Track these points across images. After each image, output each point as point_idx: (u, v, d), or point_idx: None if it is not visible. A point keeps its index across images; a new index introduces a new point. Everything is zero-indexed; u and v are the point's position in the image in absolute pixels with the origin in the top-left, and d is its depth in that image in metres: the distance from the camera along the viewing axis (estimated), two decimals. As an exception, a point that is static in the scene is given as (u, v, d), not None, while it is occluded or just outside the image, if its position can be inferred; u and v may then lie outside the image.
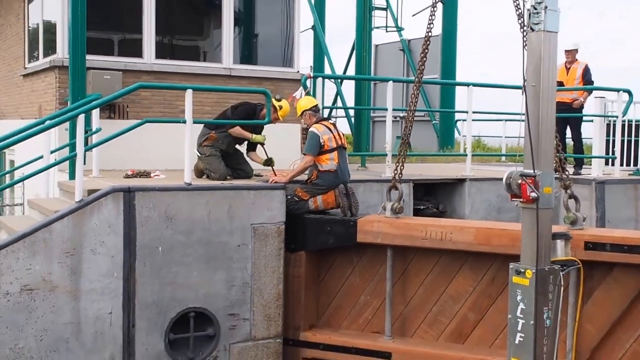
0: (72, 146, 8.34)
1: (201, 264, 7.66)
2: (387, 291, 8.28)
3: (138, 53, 10.65)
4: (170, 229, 7.52)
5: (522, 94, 4.99)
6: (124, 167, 9.40)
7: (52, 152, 9.14)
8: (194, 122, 8.04)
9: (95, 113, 9.01)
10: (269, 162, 9.11)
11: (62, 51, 10.09)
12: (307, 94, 9.83)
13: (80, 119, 7.58)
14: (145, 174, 8.98)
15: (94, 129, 9.08)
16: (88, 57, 9.49)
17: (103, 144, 8.51)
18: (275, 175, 8.68)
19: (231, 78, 11.01)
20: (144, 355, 7.40)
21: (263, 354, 8.00)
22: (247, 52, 11.73)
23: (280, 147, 9.45)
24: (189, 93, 7.89)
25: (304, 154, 8.49)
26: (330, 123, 8.87)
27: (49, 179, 9.12)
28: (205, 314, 7.72)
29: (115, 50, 10.75)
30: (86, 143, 8.70)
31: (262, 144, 9.11)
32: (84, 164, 7.76)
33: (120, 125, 8.73)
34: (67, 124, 8.84)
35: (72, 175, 8.46)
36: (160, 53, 10.78)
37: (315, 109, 8.81)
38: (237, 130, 8.93)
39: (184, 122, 7.88)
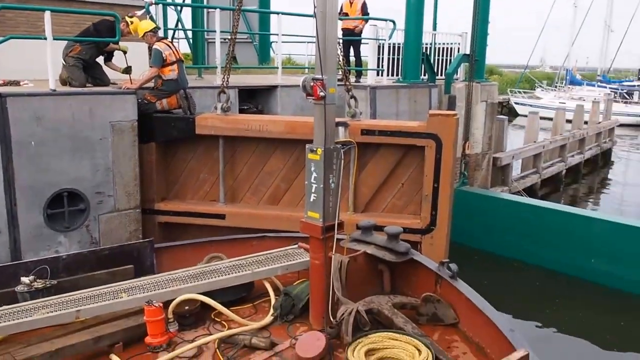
0: (-54, 59, 7.42)
1: (69, 155, 7.28)
2: (220, 170, 8.35)
3: (1, -21, 9.42)
4: (40, 127, 7.03)
5: (314, 18, 4.92)
6: (-4, 78, 8.50)
7: None
8: (55, 39, 7.40)
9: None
10: (128, 69, 8.58)
11: None
12: (151, 18, 9.29)
13: (-50, 35, 6.72)
14: (15, 83, 8.16)
15: (-34, 44, 8.06)
16: (-47, -20, 8.31)
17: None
18: (131, 81, 8.29)
19: (86, 3, 10.05)
20: (27, 227, 7.05)
21: (126, 221, 7.87)
22: (100, -19, 10.75)
23: (132, 62, 8.96)
24: (47, 14, 7.24)
25: (150, 67, 8.11)
26: (169, 41, 8.51)
27: None
28: (77, 193, 7.42)
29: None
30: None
31: (125, 52, 8.55)
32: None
33: (-11, 42, 7.79)
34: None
35: (-52, 84, 7.56)
36: (22, -21, 9.61)
37: (154, 31, 8.36)
38: (111, 46, 8.42)
39: (45, 39, 7.23)
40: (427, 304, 5.00)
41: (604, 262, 10.04)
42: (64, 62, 8.20)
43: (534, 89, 46.74)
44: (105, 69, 8.77)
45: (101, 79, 8.53)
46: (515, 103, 41.69)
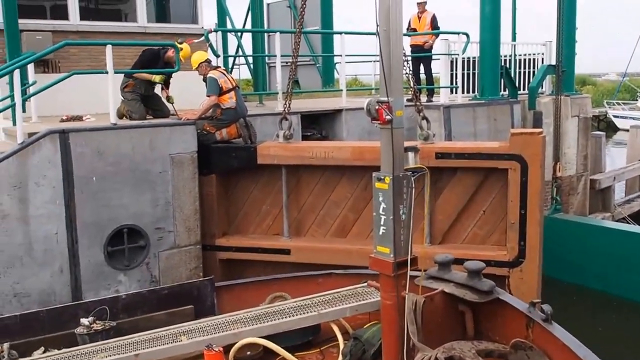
0: (13, 97, 7.94)
1: (130, 189, 7.51)
2: (283, 201, 8.36)
3: (65, 16, 10.11)
4: (102, 162, 7.32)
5: (377, 37, 4.86)
6: (60, 113, 8.95)
7: (-6, 103, 8.64)
8: (115, 73, 7.72)
9: (30, 68, 8.59)
10: (168, 100, 8.81)
11: (-2, 16, 9.43)
12: (210, 46, 9.55)
13: (17, 73, 7.23)
14: (78, 118, 8.62)
15: (30, 82, 8.63)
16: (21, 21, 8.97)
17: (39, 93, 8.07)
18: (176, 111, 8.53)
19: (146, 35, 10.55)
20: (88, 265, 7.28)
21: (186, 258, 7.97)
22: (160, 12, 11.26)
23: (191, 92, 9.23)
24: (108, 48, 7.59)
25: (208, 96, 8.25)
26: (223, 69, 8.70)
27: (-5, 127, 8.69)
28: (137, 229, 7.60)
29: (46, 14, 10.14)
30: (25, 94, 8.30)
31: (161, 84, 8.79)
32: (24, 112, 7.50)
33: (53, 78, 8.23)
34: (7, 79, 8.42)
35: (15, 122, 8.03)
36: (85, 15, 10.25)
37: (208, 61, 8.57)
38: (139, 75, 8.62)
39: (106, 72, 7.58)
40: (517, 351, 4.75)
41: None
42: (122, 97, 8.56)
43: (636, 99, 44.60)
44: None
45: (161, 110, 8.82)
46: (614, 116, 39.92)
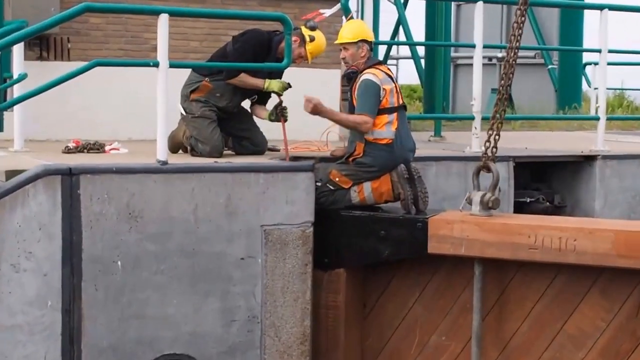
0: (-17, 104, 8.33)
1: (184, 287, 7.64)
2: (473, 328, 8.24)
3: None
4: (136, 233, 7.47)
5: None
6: (65, 137, 9.37)
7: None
8: (172, 66, 7.91)
9: (19, 51, 9.04)
10: (280, 112, 8.90)
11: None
12: (350, 19, 9.63)
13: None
14: (97, 147, 8.97)
15: (15, 76, 9.05)
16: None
17: (30, 98, 8.21)
18: (286, 141, 8.60)
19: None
20: None
21: None
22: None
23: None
24: (163, 19, 7.76)
25: (359, 114, 8.23)
26: (387, 68, 8.74)
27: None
28: (192, 364, 7.73)
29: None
30: (5, 98, 8.67)
31: (280, 95, 8.95)
32: (2, 130, 7.70)
33: (57, 70, 8.62)
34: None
35: (-17, 150, 8.46)
36: (120, -43, 10.79)
37: (371, 45, 8.59)
38: (242, 79, 8.79)
39: (156, 64, 7.77)
40: None
41: None
42: (184, 111, 8.81)
43: None
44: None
45: (251, 140, 9.10)
46: None
